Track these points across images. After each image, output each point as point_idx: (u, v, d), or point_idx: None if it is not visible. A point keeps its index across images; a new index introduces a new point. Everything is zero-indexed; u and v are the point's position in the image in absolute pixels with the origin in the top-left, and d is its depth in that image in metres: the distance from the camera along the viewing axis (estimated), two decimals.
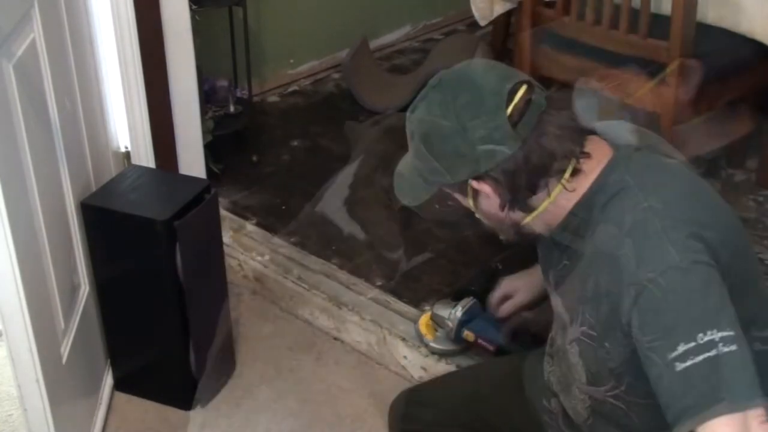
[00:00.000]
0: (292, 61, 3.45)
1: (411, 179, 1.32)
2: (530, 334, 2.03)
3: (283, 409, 2.06)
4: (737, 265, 1.17)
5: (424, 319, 2.08)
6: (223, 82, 2.92)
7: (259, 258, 2.42)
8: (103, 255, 1.96)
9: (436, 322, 2.04)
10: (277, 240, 2.49)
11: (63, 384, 1.76)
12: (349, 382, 2.13)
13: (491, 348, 1.94)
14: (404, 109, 3.55)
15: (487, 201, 1.26)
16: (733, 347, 1.04)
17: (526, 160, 1.20)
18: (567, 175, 1.22)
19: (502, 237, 1.38)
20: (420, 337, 2.08)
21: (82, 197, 1.92)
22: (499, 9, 2.72)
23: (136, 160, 2.33)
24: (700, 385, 1.04)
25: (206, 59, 2.69)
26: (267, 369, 2.18)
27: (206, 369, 2.03)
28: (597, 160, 1.23)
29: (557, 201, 1.24)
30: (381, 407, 1.99)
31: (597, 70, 2.34)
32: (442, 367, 2.03)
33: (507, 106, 1.20)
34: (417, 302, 2.23)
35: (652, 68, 2.17)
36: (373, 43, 3.61)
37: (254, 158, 2.90)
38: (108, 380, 2.08)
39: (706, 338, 1.04)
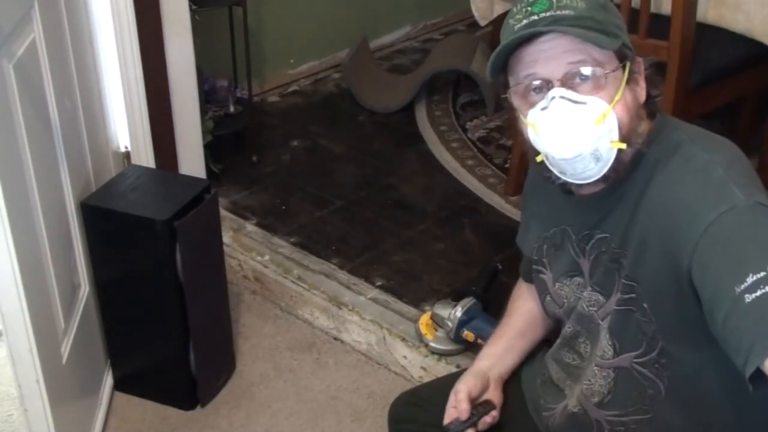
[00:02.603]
0: (292, 61, 3.45)
1: (583, 31, 1.13)
2: None
3: (283, 409, 2.06)
4: None
5: (424, 319, 2.08)
6: (223, 82, 2.92)
7: (259, 258, 2.43)
8: (103, 255, 1.96)
9: (436, 322, 2.05)
10: (277, 240, 2.49)
11: (63, 384, 1.76)
12: (349, 382, 2.14)
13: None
14: (404, 109, 3.58)
15: (636, 89, 1.19)
16: None
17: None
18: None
19: (607, 155, 1.15)
20: (420, 337, 2.08)
21: (82, 197, 1.92)
22: (499, 9, 2.72)
23: (136, 160, 2.33)
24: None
25: (206, 59, 2.69)
26: (267, 369, 2.18)
27: (206, 369, 2.04)
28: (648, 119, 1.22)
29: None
30: (381, 407, 1.99)
31: None
32: (442, 367, 2.03)
33: None
34: (417, 302, 2.23)
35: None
36: (373, 43, 3.61)
37: (254, 158, 2.90)
38: (108, 380, 2.08)
39: None
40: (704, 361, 1.17)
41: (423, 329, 2.07)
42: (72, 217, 1.88)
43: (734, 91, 2.39)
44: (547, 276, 1.37)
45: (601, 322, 1.26)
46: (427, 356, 2.06)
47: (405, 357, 2.11)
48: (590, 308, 1.28)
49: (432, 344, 2.05)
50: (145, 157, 2.35)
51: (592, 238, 1.26)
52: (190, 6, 2.40)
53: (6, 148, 1.49)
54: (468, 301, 2.00)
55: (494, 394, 1.44)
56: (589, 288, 1.27)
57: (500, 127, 3.07)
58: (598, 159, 1.15)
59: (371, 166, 2.88)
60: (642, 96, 1.19)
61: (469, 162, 2.87)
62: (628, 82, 1.16)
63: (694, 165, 1.14)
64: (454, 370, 2.00)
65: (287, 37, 3.38)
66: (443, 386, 1.69)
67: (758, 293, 0.98)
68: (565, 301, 1.34)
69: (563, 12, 1.13)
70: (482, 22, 2.78)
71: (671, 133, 1.19)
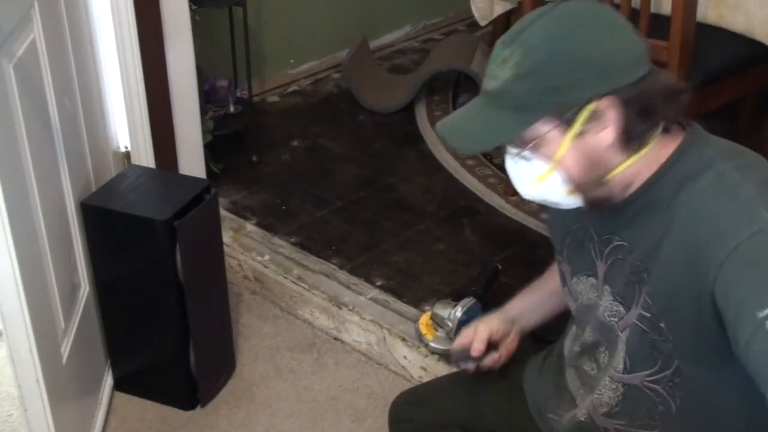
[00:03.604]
0: (292, 61, 3.45)
1: (489, 119, 1.14)
2: (530, 334, 2.03)
3: (283, 409, 2.06)
4: None
5: (424, 319, 2.08)
6: (223, 82, 2.92)
7: (259, 258, 2.43)
8: (103, 255, 1.96)
9: (436, 322, 2.05)
10: (277, 240, 2.49)
11: (63, 384, 1.76)
12: (349, 382, 2.14)
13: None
14: (404, 109, 3.56)
15: (599, 133, 1.12)
16: None
17: (657, 84, 1.12)
18: (660, 130, 1.15)
19: (567, 201, 1.18)
20: (420, 337, 2.08)
21: (82, 197, 1.92)
22: (499, 9, 2.72)
23: (136, 160, 2.33)
24: None
25: (206, 59, 2.69)
26: (267, 369, 2.18)
27: (206, 369, 2.04)
28: (677, 131, 1.18)
29: (649, 155, 1.16)
30: (381, 407, 2.00)
31: None
32: (442, 367, 2.03)
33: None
34: (417, 302, 2.23)
35: None
36: (373, 43, 3.61)
37: (254, 158, 2.90)
38: (108, 380, 2.08)
39: None
40: (719, 381, 1.16)
41: (423, 329, 2.07)
42: (72, 217, 1.88)
43: (734, 91, 2.39)
44: (566, 269, 1.36)
45: (620, 333, 1.24)
46: (427, 356, 2.06)
47: (405, 357, 2.11)
48: (611, 318, 1.25)
49: (432, 344, 2.05)
50: (145, 157, 2.35)
51: (611, 243, 1.24)
52: (190, 6, 2.40)
53: (6, 148, 1.49)
54: (468, 301, 2.00)
55: (513, 344, 1.47)
56: (611, 297, 1.25)
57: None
58: (560, 203, 1.18)
59: (371, 166, 2.88)
60: (608, 138, 1.12)
61: (469, 162, 2.87)
62: (580, 133, 1.11)
63: (724, 183, 1.10)
64: (454, 370, 2.00)
65: (287, 37, 3.38)
66: (443, 386, 1.69)
67: None
68: (580, 296, 1.33)
69: (491, 83, 1.14)
70: (482, 22, 2.78)
71: (703, 149, 1.16)
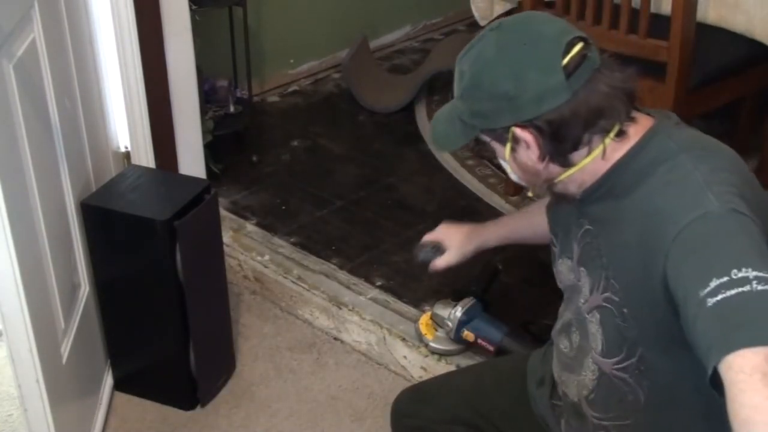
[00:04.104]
0: (292, 61, 3.45)
1: (449, 124, 1.29)
2: (531, 333, 2.04)
3: (283, 409, 2.06)
4: None
5: (424, 319, 2.08)
6: (223, 82, 2.92)
7: (259, 258, 2.43)
8: (103, 255, 1.96)
9: (436, 322, 2.05)
10: (277, 240, 2.49)
11: (63, 384, 1.76)
12: (349, 382, 2.14)
13: (491, 348, 1.95)
14: (404, 109, 3.56)
15: (526, 152, 1.23)
16: None
17: (573, 113, 1.18)
18: (612, 134, 1.21)
19: (530, 193, 1.39)
20: (420, 337, 2.08)
21: (82, 197, 1.92)
22: (499, 9, 2.72)
23: (136, 160, 2.34)
24: (729, 317, 0.99)
25: (206, 59, 2.69)
26: (267, 369, 2.18)
27: (206, 369, 2.04)
28: (641, 125, 1.23)
29: (596, 160, 1.22)
30: (381, 407, 2.00)
31: None
32: (442, 367, 2.03)
33: (563, 56, 1.18)
34: (417, 302, 2.23)
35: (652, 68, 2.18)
36: (373, 43, 3.61)
37: (254, 158, 2.90)
38: (108, 380, 2.08)
39: (741, 274, 1.00)
40: (683, 371, 1.18)
41: (423, 329, 2.07)
42: (72, 217, 1.88)
43: (734, 91, 2.39)
44: (555, 250, 1.41)
45: (587, 315, 1.29)
46: (427, 356, 2.06)
47: (405, 357, 2.11)
48: (580, 299, 1.31)
49: (432, 344, 2.05)
50: (145, 157, 2.35)
51: (582, 227, 1.30)
52: (190, 6, 2.40)
53: (6, 148, 1.49)
54: (468, 301, 2.00)
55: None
56: (582, 279, 1.30)
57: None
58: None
59: (371, 166, 2.88)
60: (533, 157, 1.23)
61: (469, 162, 2.87)
62: (512, 149, 1.25)
63: (677, 173, 1.16)
64: (453, 369, 2.00)
65: (287, 37, 3.38)
66: (446, 382, 1.70)
67: (719, 297, 1.00)
68: (563, 277, 1.38)
69: (436, 126, 1.34)
70: (482, 22, 2.78)
71: (664, 142, 1.20)
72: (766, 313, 0.99)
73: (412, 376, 2.11)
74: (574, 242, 1.32)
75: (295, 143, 3.03)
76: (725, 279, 1.00)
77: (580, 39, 1.21)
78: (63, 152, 1.80)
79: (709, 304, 1.00)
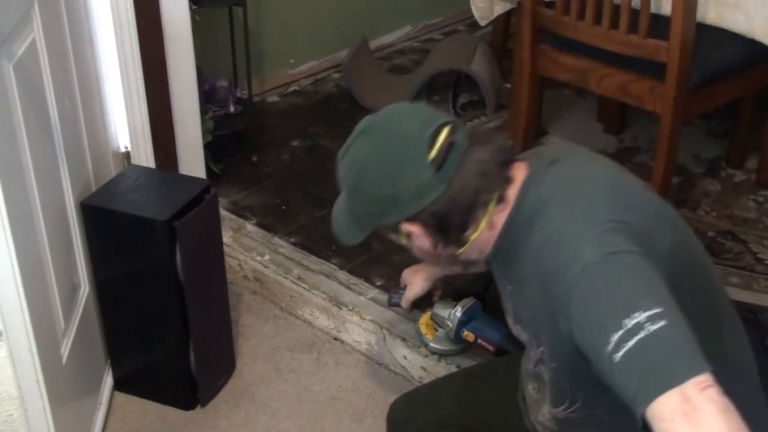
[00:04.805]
0: (292, 61, 3.45)
1: (346, 219, 1.36)
2: None
3: (283, 409, 2.06)
4: (683, 258, 1.19)
5: (424, 319, 2.08)
6: (223, 82, 2.92)
7: (259, 258, 2.43)
8: (103, 255, 1.96)
9: (436, 322, 2.05)
10: (277, 240, 2.49)
11: (63, 384, 1.76)
12: (349, 382, 2.14)
13: (491, 348, 1.94)
14: None
15: (420, 240, 1.30)
16: (662, 323, 1.02)
17: (452, 200, 1.24)
18: (491, 207, 1.26)
19: (441, 269, 1.52)
20: (420, 337, 2.08)
21: (82, 197, 1.92)
22: (499, 9, 2.72)
23: (136, 160, 2.34)
24: (637, 369, 1.02)
25: (206, 59, 2.69)
26: (267, 369, 2.18)
27: (206, 369, 2.04)
28: (518, 181, 1.27)
29: (484, 231, 1.28)
30: (381, 407, 1.99)
31: (597, 70, 2.34)
32: (442, 367, 2.03)
33: (430, 150, 1.23)
34: (417, 302, 2.22)
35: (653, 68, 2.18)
36: (373, 43, 3.61)
37: (254, 158, 2.90)
38: (108, 380, 2.08)
39: (633, 321, 1.02)
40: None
41: (423, 329, 2.07)
42: (72, 217, 1.88)
43: (734, 91, 2.39)
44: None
45: (535, 368, 1.33)
46: (427, 356, 2.06)
47: (405, 357, 2.11)
48: (529, 353, 1.35)
49: (432, 344, 2.05)
50: (145, 157, 2.35)
51: (505, 287, 1.36)
52: (190, 6, 2.40)
53: (6, 148, 1.49)
54: (468, 301, 2.00)
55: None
56: (522, 335, 1.35)
57: (500, 127, 3.07)
58: None
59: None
60: (426, 244, 1.30)
61: None
62: (407, 239, 1.32)
63: (550, 229, 1.18)
64: (454, 370, 2.00)
65: (287, 37, 3.38)
66: (442, 386, 1.70)
67: (622, 351, 1.03)
68: (513, 330, 1.42)
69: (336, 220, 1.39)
70: (482, 22, 2.78)
71: (536, 195, 1.24)
72: (667, 352, 1.01)
73: (412, 376, 2.11)
74: (507, 300, 1.36)
75: (295, 143, 3.03)
76: (621, 332, 1.03)
77: (445, 125, 1.25)
78: (63, 152, 1.80)
79: (617, 360, 1.03)
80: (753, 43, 2.18)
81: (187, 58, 2.40)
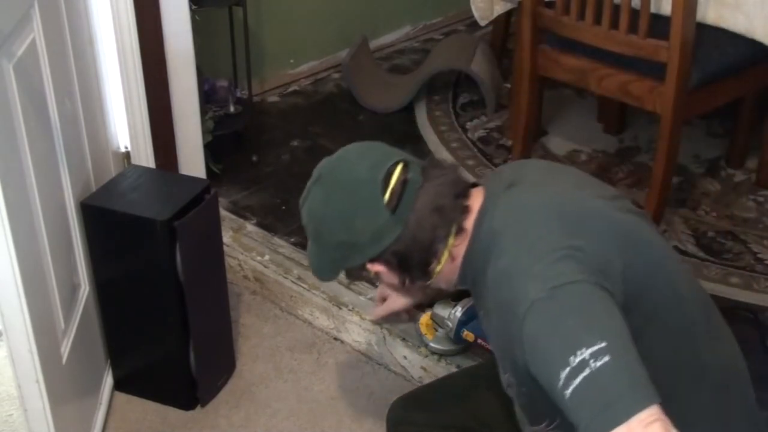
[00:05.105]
0: (292, 61, 3.45)
1: (318, 260, 1.40)
2: None
3: (283, 409, 2.06)
4: (644, 272, 1.20)
5: (424, 319, 2.08)
6: (223, 82, 2.92)
7: (259, 258, 2.43)
8: (103, 255, 1.96)
9: (436, 322, 2.05)
10: (277, 240, 2.49)
11: (63, 384, 1.76)
12: (349, 382, 2.14)
13: (491, 348, 1.94)
14: (404, 109, 3.56)
15: (387, 278, 1.34)
16: (606, 359, 1.03)
17: (411, 239, 1.26)
18: (451, 240, 1.27)
19: (414, 300, 1.59)
20: (420, 337, 2.08)
21: (82, 197, 1.92)
22: (499, 9, 2.73)
23: (136, 160, 2.34)
24: (585, 407, 1.04)
25: (206, 59, 2.69)
26: (267, 369, 2.18)
27: (206, 369, 2.04)
28: (474, 210, 1.28)
29: (447, 263, 1.30)
30: (381, 407, 1.99)
31: (597, 70, 2.34)
32: (442, 367, 2.03)
33: (383, 192, 1.25)
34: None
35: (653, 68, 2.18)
36: (373, 43, 3.61)
37: (254, 158, 2.90)
38: (108, 380, 2.08)
39: (578, 359, 1.04)
40: None
41: (423, 329, 2.07)
42: (72, 217, 1.88)
43: (734, 91, 2.40)
44: None
45: (507, 388, 1.34)
46: (427, 356, 2.07)
47: (405, 357, 2.11)
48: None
49: (432, 344, 2.05)
50: (145, 157, 2.35)
51: (480, 310, 1.36)
52: (190, 6, 2.40)
53: (6, 148, 1.49)
54: (468, 301, 2.00)
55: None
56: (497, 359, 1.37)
57: (500, 127, 3.07)
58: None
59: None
60: (393, 280, 1.35)
61: (469, 162, 2.87)
62: (377, 276, 1.37)
63: (502, 264, 1.19)
64: (454, 370, 2.00)
65: (287, 37, 3.38)
66: (441, 388, 1.70)
67: (571, 389, 1.04)
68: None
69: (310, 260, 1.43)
70: (482, 22, 2.78)
71: (489, 226, 1.25)
72: (612, 389, 1.02)
73: (412, 376, 2.11)
74: (482, 322, 1.38)
75: (295, 143, 3.03)
76: (568, 369, 1.04)
77: (397, 164, 1.27)
78: (63, 152, 1.80)
79: (567, 396, 1.05)
80: (753, 43, 2.18)
81: (187, 58, 2.40)
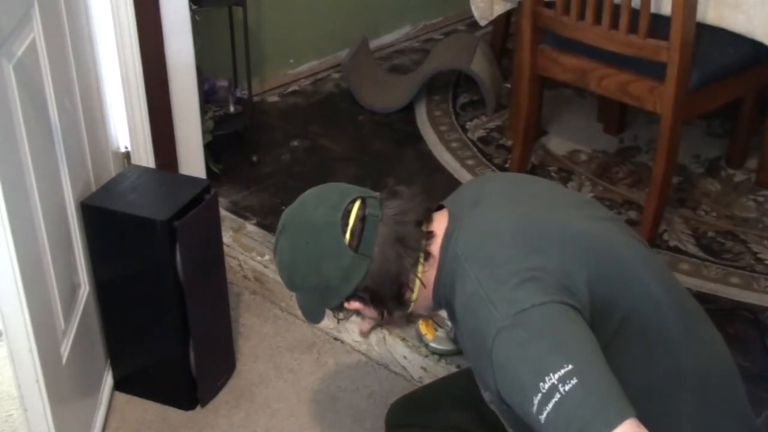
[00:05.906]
0: (292, 61, 3.45)
1: (303, 306, 1.44)
2: None
3: (283, 409, 2.07)
4: (612, 283, 1.20)
5: (424, 319, 2.08)
6: (223, 82, 2.92)
7: (259, 258, 2.43)
8: (103, 255, 1.96)
9: (436, 322, 2.05)
10: None
11: (63, 384, 1.76)
12: (349, 382, 2.14)
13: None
14: (404, 109, 3.57)
15: (367, 312, 1.36)
16: (574, 381, 1.04)
17: (379, 273, 1.28)
18: (420, 267, 1.29)
19: (398, 329, 1.58)
20: (420, 337, 2.08)
21: (82, 197, 1.92)
22: (499, 9, 2.73)
23: (136, 160, 2.34)
24: (559, 429, 1.05)
25: (206, 59, 2.69)
26: (267, 369, 2.18)
27: (206, 369, 2.04)
28: (439, 236, 1.30)
29: (421, 290, 1.31)
30: (381, 407, 1.99)
31: (597, 70, 2.34)
32: (442, 367, 2.03)
33: (344, 233, 1.27)
34: None
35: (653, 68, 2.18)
36: (373, 43, 3.61)
37: (254, 158, 2.90)
38: (108, 380, 2.08)
39: (547, 385, 1.05)
40: None
41: (423, 329, 2.07)
42: (72, 217, 1.88)
43: (734, 91, 2.40)
44: None
45: (491, 406, 1.34)
46: (427, 356, 2.07)
47: (405, 357, 2.11)
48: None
49: (432, 344, 2.05)
50: (145, 157, 2.35)
51: (458, 329, 1.37)
52: (190, 6, 2.40)
53: (6, 148, 1.49)
54: None
55: None
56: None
57: (500, 127, 3.08)
58: None
59: (371, 166, 2.88)
60: (373, 314, 1.36)
61: (469, 162, 2.87)
62: (358, 313, 1.39)
63: (467, 292, 1.20)
64: (454, 370, 2.00)
65: (287, 37, 3.38)
66: (440, 389, 1.70)
67: (544, 414, 1.06)
68: None
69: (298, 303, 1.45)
70: (482, 22, 2.78)
71: (453, 252, 1.26)
72: (582, 412, 1.03)
73: (412, 376, 2.11)
74: (461, 344, 1.41)
75: (295, 143, 3.03)
76: (539, 395, 1.06)
77: (354, 201, 1.29)
78: (63, 152, 1.80)
79: (542, 421, 1.06)
80: (753, 43, 2.18)
81: (186, 58, 2.40)
